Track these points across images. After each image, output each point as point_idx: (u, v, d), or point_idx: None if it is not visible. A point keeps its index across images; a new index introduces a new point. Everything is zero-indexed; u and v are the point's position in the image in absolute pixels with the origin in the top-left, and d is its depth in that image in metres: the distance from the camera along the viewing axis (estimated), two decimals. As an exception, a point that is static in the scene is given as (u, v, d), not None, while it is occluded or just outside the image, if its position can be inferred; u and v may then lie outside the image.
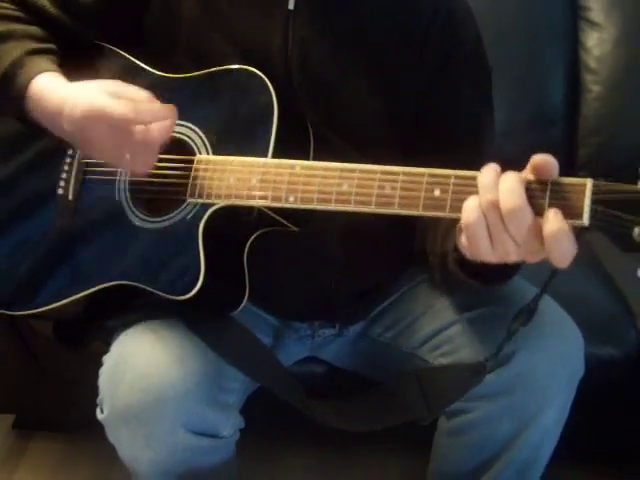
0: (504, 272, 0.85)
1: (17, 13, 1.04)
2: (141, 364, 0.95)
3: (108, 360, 0.99)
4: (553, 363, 1.01)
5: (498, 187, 0.76)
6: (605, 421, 1.42)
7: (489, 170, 0.78)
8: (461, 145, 1.02)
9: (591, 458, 1.49)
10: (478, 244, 0.78)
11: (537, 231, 0.75)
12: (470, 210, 0.77)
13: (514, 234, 0.75)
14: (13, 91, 0.96)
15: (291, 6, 0.99)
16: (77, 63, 1.00)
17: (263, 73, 0.95)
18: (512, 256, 0.77)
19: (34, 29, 1.03)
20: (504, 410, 1.02)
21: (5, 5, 1.04)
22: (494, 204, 0.75)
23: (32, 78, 0.96)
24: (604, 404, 1.37)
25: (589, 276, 1.49)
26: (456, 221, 0.82)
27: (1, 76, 0.97)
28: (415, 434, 1.13)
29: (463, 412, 1.06)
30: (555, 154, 0.77)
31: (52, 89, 0.95)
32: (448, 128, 1.05)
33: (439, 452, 1.15)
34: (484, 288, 0.92)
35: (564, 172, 0.76)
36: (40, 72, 0.97)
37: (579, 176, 0.76)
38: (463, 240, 0.81)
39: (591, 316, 1.27)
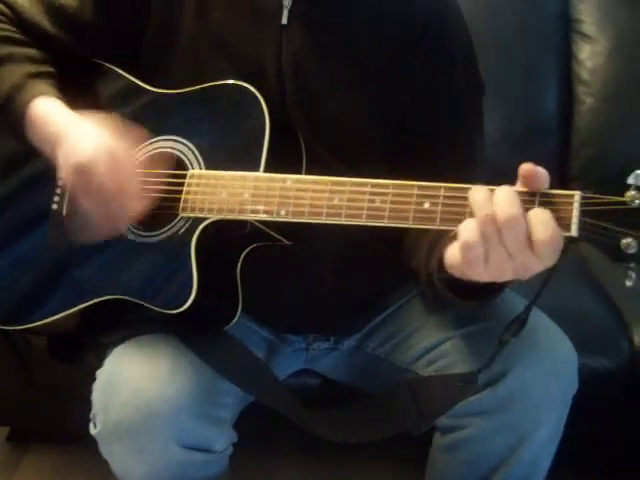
0: (490, 289, 0.85)
1: (15, 35, 1.04)
2: (134, 379, 0.95)
3: (101, 375, 0.99)
4: (547, 380, 1.00)
5: (492, 201, 0.75)
6: (598, 432, 1.42)
7: (480, 188, 0.77)
8: (449, 157, 1.02)
9: (584, 470, 1.49)
10: (472, 264, 0.77)
11: (530, 241, 0.74)
12: (470, 230, 0.76)
13: (509, 245, 0.75)
14: (13, 114, 0.98)
15: (284, 21, 1.00)
16: (74, 81, 1.00)
17: (256, 87, 0.96)
18: (507, 272, 0.77)
19: (33, 52, 1.03)
20: (498, 427, 1.02)
21: (3, 27, 1.04)
22: (490, 218, 0.75)
23: (30, 102, 0.97)
24: (597, 415, 1.36)
25: (581, 288, 1.50)
26: (439, 236, 0.82)
27: (4, 99, 0.98)
28: (410, 447, 1.13)
29: (457, 428, 1.06)
30: (548, 165, 0.78)
31: (49, 120, 0.96)
32: (436, 140, 1.05)
33: (434, 468, 1.15)
34: (472, 305, 0.92)
35: (557, 183, 0.77)
36: (38, 96, 0.97)
37: (572, 187, 0.76)
38: (452, 256, 0.80)
39: (584, 327, 1.27)
